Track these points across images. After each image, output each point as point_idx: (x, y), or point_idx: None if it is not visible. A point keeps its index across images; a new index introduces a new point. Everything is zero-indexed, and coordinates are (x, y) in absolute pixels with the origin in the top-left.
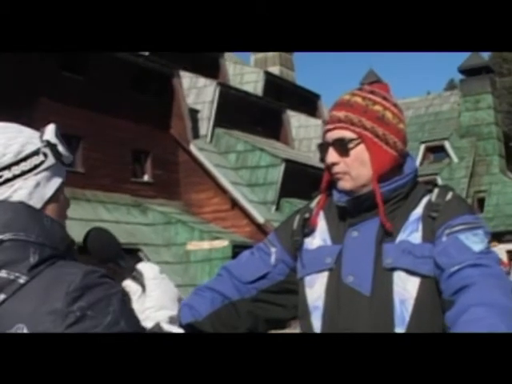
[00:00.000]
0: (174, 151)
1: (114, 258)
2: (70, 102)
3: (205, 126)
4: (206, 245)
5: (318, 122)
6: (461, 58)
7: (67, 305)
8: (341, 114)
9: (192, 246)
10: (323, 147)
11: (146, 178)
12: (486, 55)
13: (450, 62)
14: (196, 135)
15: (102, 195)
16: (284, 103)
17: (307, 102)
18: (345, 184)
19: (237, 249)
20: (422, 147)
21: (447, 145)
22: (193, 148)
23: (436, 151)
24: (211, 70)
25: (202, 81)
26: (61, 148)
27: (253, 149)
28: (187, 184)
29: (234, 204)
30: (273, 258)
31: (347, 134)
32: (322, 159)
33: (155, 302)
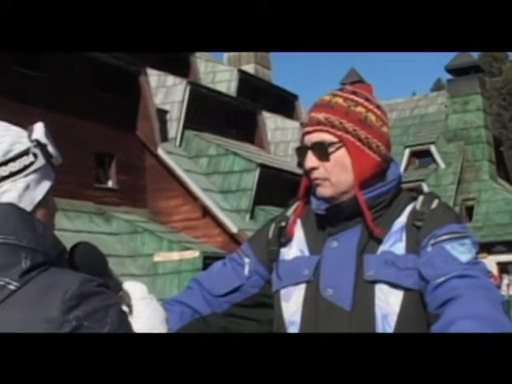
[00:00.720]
0: (141, 155)
1: (102, 277)
2: (24, 100)
3: (174, 128)
4: (175, 256)
5: (296, 124)
6: (448, 56)
7: (63, 313)
8: (320, 115)
9: (160, 257)
10: (301, 151)
11: (110, 183)
12: (475, 54)
13: (437, 61)
14: (164, 138)
15: (63, 202)
16: (259, 104)
17: (284, 103)
18: (324, 190)
19: (208, 260)
20: (407, 152)
21: (433, 149)
22: (161, 151)
23: (421, 156)
24: (181, 67)
25: (170, 79)
26: (51, 148)
27: (225, 153)
28: (155, 190)
29: (206, 212)
30: (246, 270)
31: (327, 137)
32: (300, 164)
33: (145, 323)
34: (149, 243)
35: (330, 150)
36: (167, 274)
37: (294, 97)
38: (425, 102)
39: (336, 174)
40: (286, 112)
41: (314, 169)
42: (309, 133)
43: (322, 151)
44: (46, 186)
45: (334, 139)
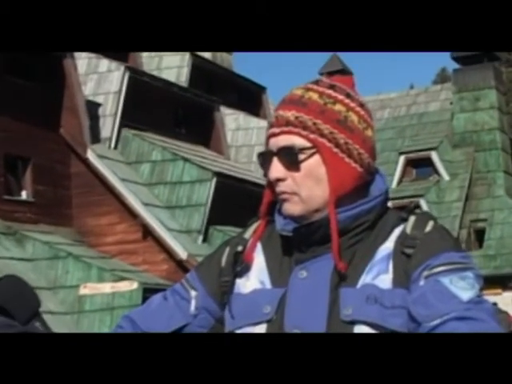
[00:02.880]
0: (65, 159)
1: (31, 320)
2: None
3: (108, 126)
4: (106, 288)
5: (263, 123)
6: None
7: None
8: (290, 114)
9: (87, 289)
10: (265, 157)
11: (23, 195)
12: None
13: None
14: (96, 138)
15: None
16: (217, 97)
17: (248, 97)
18: (292, 207)
19: (149, 293)
20: (402, 159)
21: (435, 157)
22: (91, 155)
23: (420, 165)
24: None
25: (104, 63)
26: None
27: (173, 158)
28: (82, 204)
29: (147, 233)
30: (193, 306)
31: (298, 141)
32: (265, 174)
33: None
34: (73, 272)
35: (301, 156)
36: (96, 311)
37: (261, 89)
38: (425, 97)
39: (307, 188)
40: (250, 108)
41: (280, 180)
42: (275, 135)
43: (291, 158)
44: None
45: (306, 144)
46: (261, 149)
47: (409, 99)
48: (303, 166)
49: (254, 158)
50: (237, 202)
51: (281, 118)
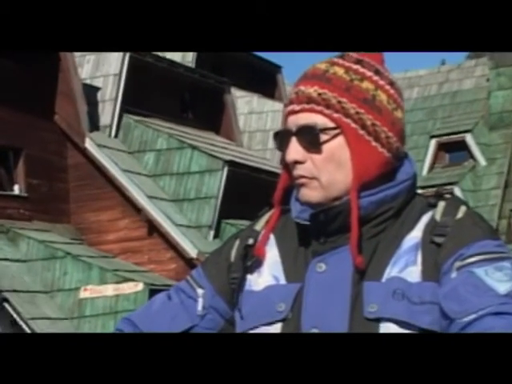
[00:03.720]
0: (60, 149)
1: None
2: None
3: (108, 112)
4: (109, 290)
5: (278, 105)
6: None
7: None
8: (312, 90)
9: (88, 291)
10: (283, 137)
11: (16, 189)
12: None
13: None
14: (94, 126)
15: None
16: (227, 78)
17: (262, 77)
18: (310, 193)
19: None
20: (433, 144)
21: (470, 140)
22: (89, 145)
23: (453, 150)
24: None
25: None
26: None
27: (180, 146)
28: (81, 199)
29: (153, 229)
30: (200, 305)
31: (320, 120)
32: (282, 156)
33: None
34: (72, 273)
35: (323, 137)
36: (98, 315)
37: (276, 68)
38: (458, 73)
39: (328, 172)
40: (264, 89)
41: (298, 162)
42: (294, 112)
43: (312, 139)
44: None
45: (329, 123)
46: None
47: (440, 76)
48: (325, 147)
49: (270, 145)
50: (251, 193)
51: (302, 94)
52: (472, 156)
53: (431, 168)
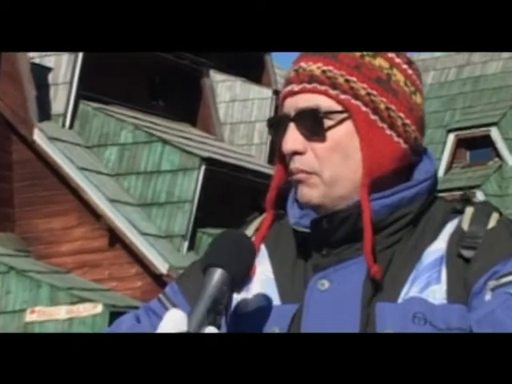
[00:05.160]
0: (4, 142)
1: None
2: None
3: (61, 98)
4: (61, 312)
5: (266, 92)
6: None
7: None
8: (315, 66)
9: (36, 314)
10: (279, 123)
11: None
12: None
13: None
14: (45, 114)
15: None
16: (205, 60)
17: (247, 59)
18: (309, 192)
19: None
20: (451, 139)
21: (496, 135)
22: (39, 137)
23: (475, 146)
24: None
25: None
26: None
27: (148, 140)
28: (28, 202)
29: (115, 238)
30: None
31: (324, 103)
32: (278, 152)
33: None
34: (17, 292)
35: (327, 123)
36: None
37: None
38: (481, 55)
39: (332, 165)
40: (249, 73)
41: (297, 153)
42: (293, 94)
43: (314, 125)
44: None
45: (335, 106)
46: (264, 126)
47: (460, 59)
48: (329, 135)
49: (255, 139)
50: (233, 197)
51: (302, 71)
52: (498, 154)
53: (449, 168)
